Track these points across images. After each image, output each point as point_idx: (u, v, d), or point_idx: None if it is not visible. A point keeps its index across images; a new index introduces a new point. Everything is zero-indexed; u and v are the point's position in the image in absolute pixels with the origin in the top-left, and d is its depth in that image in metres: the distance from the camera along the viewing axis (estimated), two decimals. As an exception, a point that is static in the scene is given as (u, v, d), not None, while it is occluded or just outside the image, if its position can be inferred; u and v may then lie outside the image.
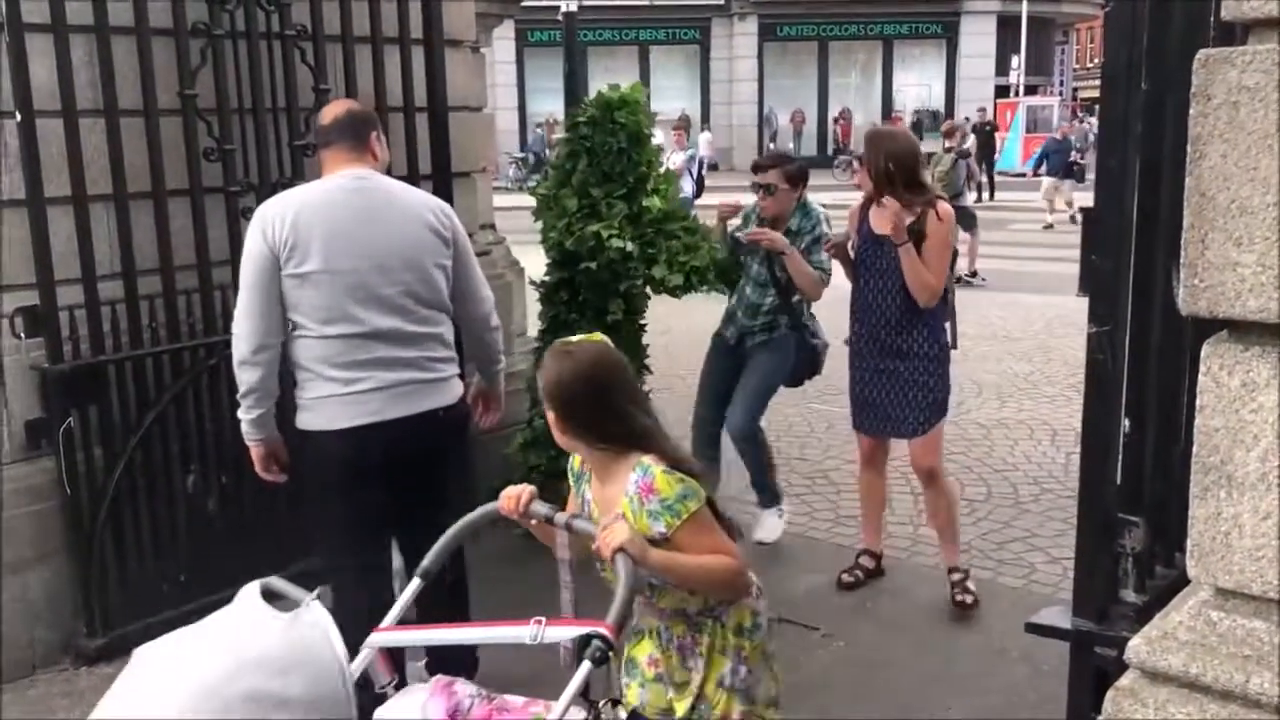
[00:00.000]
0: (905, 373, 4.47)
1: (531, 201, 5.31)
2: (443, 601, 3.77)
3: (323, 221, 3.24)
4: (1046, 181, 19.35)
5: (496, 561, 4.41)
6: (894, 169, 4.37)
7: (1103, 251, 1.66)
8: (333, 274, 3.22)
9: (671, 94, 31.26)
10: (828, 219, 5.06)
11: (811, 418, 7.14)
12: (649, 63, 33.37)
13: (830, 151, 31.67)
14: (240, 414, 3.41)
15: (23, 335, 4.01)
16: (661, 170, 5.12)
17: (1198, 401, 1.25)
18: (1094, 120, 41.10)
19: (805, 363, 5.16)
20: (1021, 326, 10.48)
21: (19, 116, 3.84)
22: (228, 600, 4.75)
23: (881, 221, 4.41)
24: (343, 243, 3.24)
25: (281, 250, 3.20)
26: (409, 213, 3.40)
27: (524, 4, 8.12)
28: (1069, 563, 4.75)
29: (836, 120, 33.86)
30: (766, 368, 5.08)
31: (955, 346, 4.73)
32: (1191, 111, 1.20)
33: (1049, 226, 18.39)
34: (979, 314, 11.02)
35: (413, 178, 4.99)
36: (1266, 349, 1.20)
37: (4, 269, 3.94)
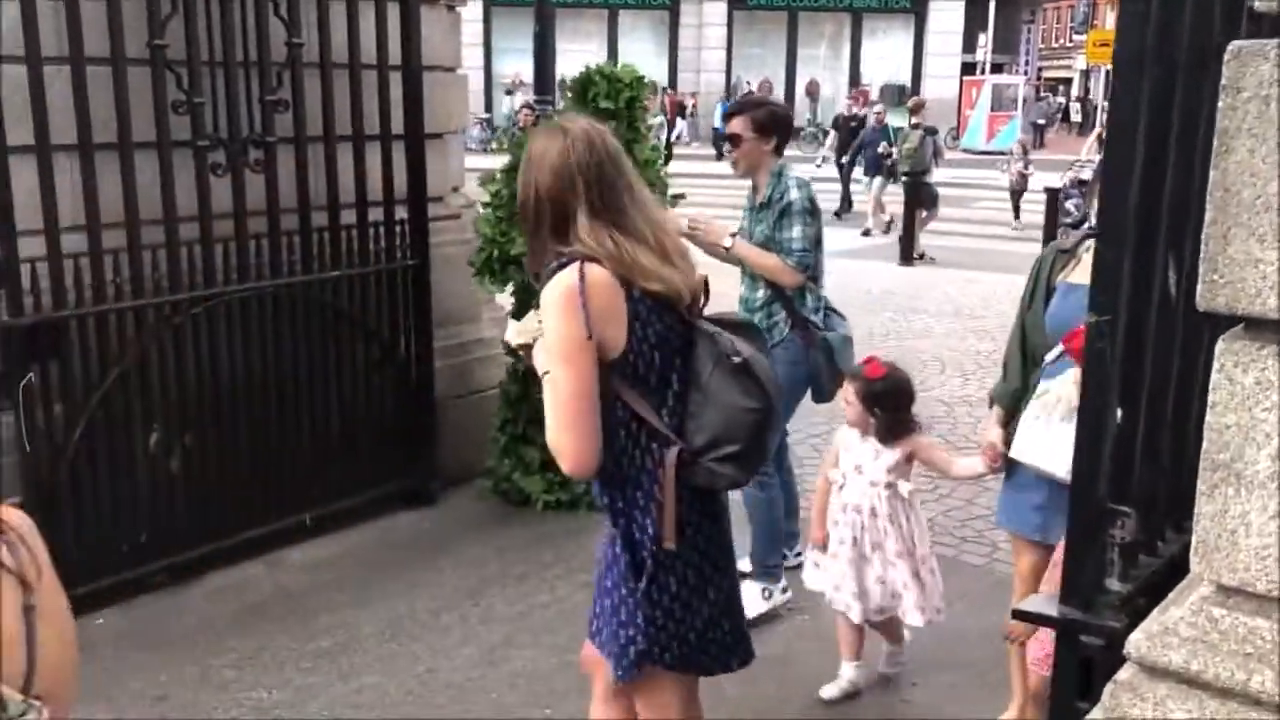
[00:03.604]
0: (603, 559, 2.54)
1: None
2: None
3: None
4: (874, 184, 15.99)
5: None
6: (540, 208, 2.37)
7: (1108, 241, 1.65)
8: None
9: (639, 60, 30.70)
10: (806, 187, 4.14)
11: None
12: (617, 28, 33.03)
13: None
14: None
15: (-18, 288, 3.90)
16: (650, 149, 4.89)
17: (1209, 398, 1.24)
18: (1054, 99, 41.23)
19: (823, 366, 4.17)
20: (982, 305, 10.54)
21: (-19, 61, 3.73)
22: (187, 562, 4.69)
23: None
24: None
25: None
26: None
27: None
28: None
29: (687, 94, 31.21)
30: None
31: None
32: (1220, 104, 1.18)
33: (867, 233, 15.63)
34: (940, 292, 11.21)
35: (385, 138, 4.91)
36: (1283, 347, 1.19)
37: (-37, 219, 3.83)
